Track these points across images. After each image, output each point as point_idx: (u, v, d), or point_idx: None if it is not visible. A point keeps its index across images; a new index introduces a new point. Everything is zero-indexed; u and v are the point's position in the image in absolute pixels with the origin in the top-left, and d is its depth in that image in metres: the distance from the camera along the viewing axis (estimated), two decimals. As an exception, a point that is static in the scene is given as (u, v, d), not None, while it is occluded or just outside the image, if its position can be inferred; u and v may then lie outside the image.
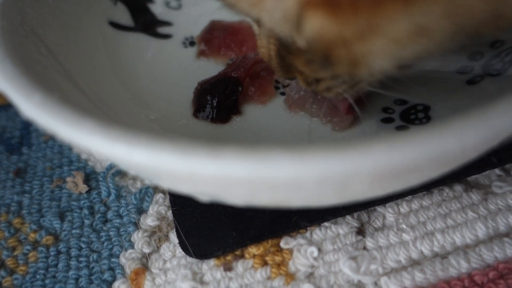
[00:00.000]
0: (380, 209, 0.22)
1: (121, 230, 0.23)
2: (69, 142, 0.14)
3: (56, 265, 0.22)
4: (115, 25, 0.28)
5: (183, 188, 0.16)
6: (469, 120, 0.12)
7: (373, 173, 0.12)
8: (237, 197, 0.15)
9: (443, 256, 0.20)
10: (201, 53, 0.28)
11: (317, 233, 0.22)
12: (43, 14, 0.23)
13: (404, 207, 0.22)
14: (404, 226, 0.21)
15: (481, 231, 0.21)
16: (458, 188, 0.22)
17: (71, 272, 0.21)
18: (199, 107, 0.24)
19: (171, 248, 0.22)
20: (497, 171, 0.22)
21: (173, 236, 0.22)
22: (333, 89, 0.19)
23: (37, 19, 0.22)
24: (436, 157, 0.12)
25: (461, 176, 0.22)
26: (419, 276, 0.20)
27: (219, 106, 0.24)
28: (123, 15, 0.29)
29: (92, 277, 0.21)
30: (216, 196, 0.15)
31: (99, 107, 0.21)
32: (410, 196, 0.22)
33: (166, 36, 0.29)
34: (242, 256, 0.21)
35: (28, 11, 0.21)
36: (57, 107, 0.14)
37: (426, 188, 0.22)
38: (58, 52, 0.21)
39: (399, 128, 0.22)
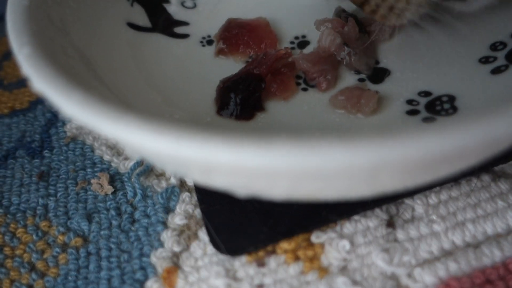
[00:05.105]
0: (408, 201, 0.22)
1: (150, 229, 0.23)
2: (112, 138, 0.14)
3: (87, 266, 0.22)
4: (134, 26, 0.28)
5: (223, 182, 0.16)
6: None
7: (425, 160, 0.12)
8: (278, 190, 0.15)
9: (475, 246, 0.20)
10: (219, 52, 0.28)
11: (347, 227, 0.22)
12: (66, 16, 0.23)
13: (432, 199, 0.22)
14: (434, 217, 0.21)
15: (512, 219, 0.21)
16: (486, 178, 0.22)
17: (103, 273, 0.21)
18: (222, 104, 0.24)
19: (202, 246, 0.22)
20: (524, 160, 0.23)
21: (202, 234, 0.22)
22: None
23: (61, 21, 0.22)
24: (489, 141, 0.12)
25: (488, 167, 0.22)
26: (453, 266, 0.20)
27: (243, 103, 0.24)
28: (141, 16, 0.29)
29: (124, 277, 0.21)
30: (256, 190, 0.15)
31: (126, 105, 0.21)
32: (438, 188, 0.22)
33: (184, 36, 0.29)
34: (274, 252, 0.21)
35: (53, 13, 0.22)
36: (99, 104, 0.14)
37: (454, 179, 0.22)
38: (83, 53, 0.22)
39: (426, 119, 0.22)
